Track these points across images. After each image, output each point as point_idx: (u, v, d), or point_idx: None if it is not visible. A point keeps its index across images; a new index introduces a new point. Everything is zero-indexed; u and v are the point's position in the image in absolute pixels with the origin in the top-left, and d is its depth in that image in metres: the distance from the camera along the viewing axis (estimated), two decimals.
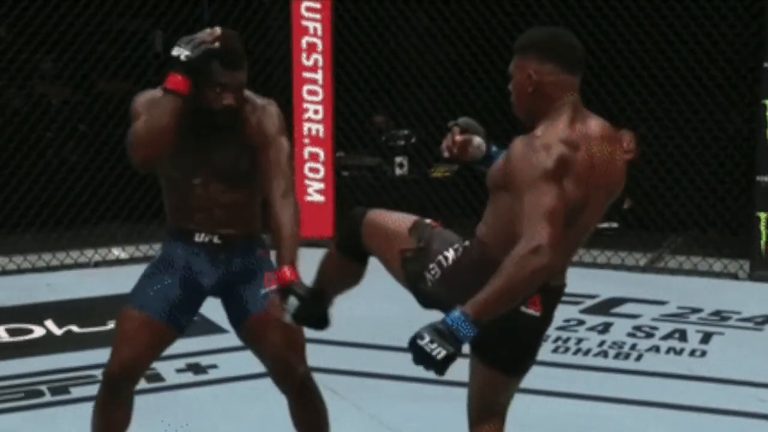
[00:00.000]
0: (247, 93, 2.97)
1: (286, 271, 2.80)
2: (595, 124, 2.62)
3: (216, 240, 3.03)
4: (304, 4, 6.81)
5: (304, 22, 6.83)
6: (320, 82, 6.87)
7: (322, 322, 2.87)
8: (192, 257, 3.04)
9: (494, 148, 2.85)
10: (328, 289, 2.84)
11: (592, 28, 6.87)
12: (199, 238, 3.03)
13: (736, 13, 6.55)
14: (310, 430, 3.16)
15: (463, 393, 3.70)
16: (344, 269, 2.83)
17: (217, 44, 2.82)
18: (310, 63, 6.85)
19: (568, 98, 2.58)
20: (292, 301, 2.76)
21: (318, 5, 6.81)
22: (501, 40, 7.01)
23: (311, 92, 6.88)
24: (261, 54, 7.07)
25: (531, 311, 2.61)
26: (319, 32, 6.83)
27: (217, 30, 2.85)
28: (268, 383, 4.13)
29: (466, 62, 7.24)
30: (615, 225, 6.92)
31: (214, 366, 4.57)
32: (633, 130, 6.93)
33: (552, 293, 2.66)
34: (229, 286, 3.07)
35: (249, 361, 4.37)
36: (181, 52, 2.80)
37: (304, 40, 6.85)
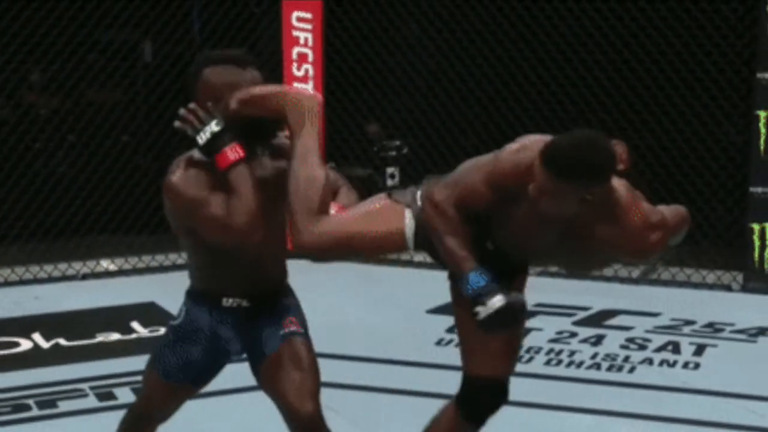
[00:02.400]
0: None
1: None
2: None
3: (245, 304, 2.90)
4: (295, 15, 6.78)
5: (295, 33, 6.80)
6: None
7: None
8: (218, 324, 2.91)
9: None
10: None
11: (584, 38, 6.86)
12: (227, 302, 2.89)
13: (729, 24, 6.54)
14: None
15: (434, 403, 3.66)
16: None
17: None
18: (301, 73, 6.82)
19: None
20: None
21: (309, 15, 6.78)
22: (492, 50, 7.00)
23: None
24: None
25: None
26: (310, 42, 6.80)
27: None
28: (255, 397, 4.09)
29: (457, 73, 7.21)
30: None
31: None
32: (626, 140, 6.90)
33: None
34: (253, 338, 2.96)
35: (236, 376, 4.34)
36: (210, 128, 2.68)
37: (295, 51, 6.82)
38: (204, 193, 2.72)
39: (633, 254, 2.71)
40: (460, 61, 7.18)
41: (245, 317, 2.92)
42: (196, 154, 2.79)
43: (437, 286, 6.21)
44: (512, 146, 2.68)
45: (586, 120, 6.96)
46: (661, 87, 6.73)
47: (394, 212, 2.77)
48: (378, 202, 2.82)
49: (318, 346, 3.00)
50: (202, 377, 3.02)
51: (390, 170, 7.15)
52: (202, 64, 2.78)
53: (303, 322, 3.00)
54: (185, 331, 2.94)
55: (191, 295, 2.97)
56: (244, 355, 3.01)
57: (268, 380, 2.96)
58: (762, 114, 6.12)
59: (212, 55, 2.80)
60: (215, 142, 2.69)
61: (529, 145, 2.64)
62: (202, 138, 2.69)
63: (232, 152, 2.69)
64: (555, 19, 6.84)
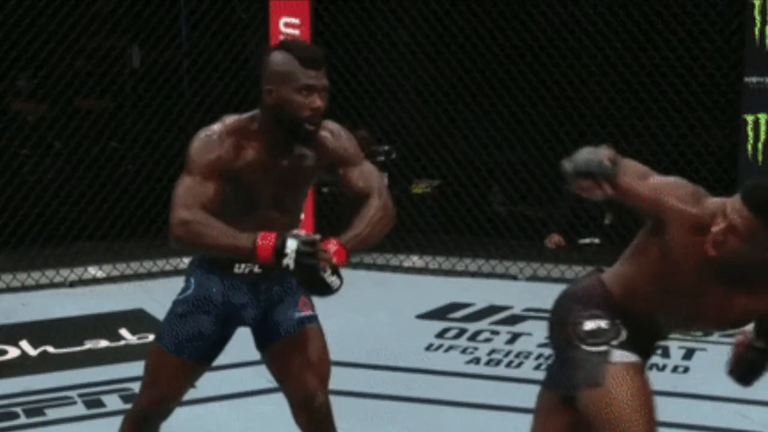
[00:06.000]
0: None
1: (334, 243, 2.69)
2: None
3: (256, 269, 2.90)
4: (283, 20, 6.77)
5: (283, 38, 6.78)
6: None
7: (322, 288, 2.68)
8: (231, 291, 2.92)
9: None
10: None
11: (573, 44, 6.87)
12: (239, 269, 2.90)
13: (716, 28, 6.56)
14: None
15: (423, 409, 3.69)
16: None
17: (330, 267, 2.65)
18: None
19: None
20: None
21: (297, 21, 6.77)
22: (481, 55, 7.00)
23: None
24: (239, 70, 7.02)
25: None
26: None
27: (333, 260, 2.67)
28: (245, 403, 4.06)
29: (445, 78, 7.21)
30: (597, 241, 6.89)
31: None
32: (614, 145, 6.90)
33: None
34: (266, 312, 2.98)
35: (221, 383, 4.33)
36: (290, 257, 2.61)
37: None
38: (206, 159, 2.77)
39: None
40: (449, 66, 7.18)
41: (258, 284, 2.92)
42: (252, 125, 2.83)
43: (427, 291, 6.23)
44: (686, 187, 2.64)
45: (574, 124, 6.97)
46: (649, 91, 6.74)
47: (620, 376, 2.62)
48: (612, 398, 2.61)
49: None
50: (212, 351, 2.99)
51: None
52: (274, 47, 2.84)
53: (312, 303, 3.02)
54: (196, 301, 2.94)
55: (201, 266, 2.96)
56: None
57: (280, 363, 2.98)
58: (749, 118, 6.14)
59: (286, 41, 2.85)
60: (279, 253, 2.64)
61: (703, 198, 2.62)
62: (289, 253, 2.64)
63: (264, 251, 2.64)
64: (543, 25, 6.85)
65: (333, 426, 3.05)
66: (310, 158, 2.88)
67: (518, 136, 7.12)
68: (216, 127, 2.83)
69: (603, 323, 2.64)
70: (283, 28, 6.78)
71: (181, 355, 2.93)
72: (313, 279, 2.62)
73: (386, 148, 7.28)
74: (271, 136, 2.81)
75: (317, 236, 2.67)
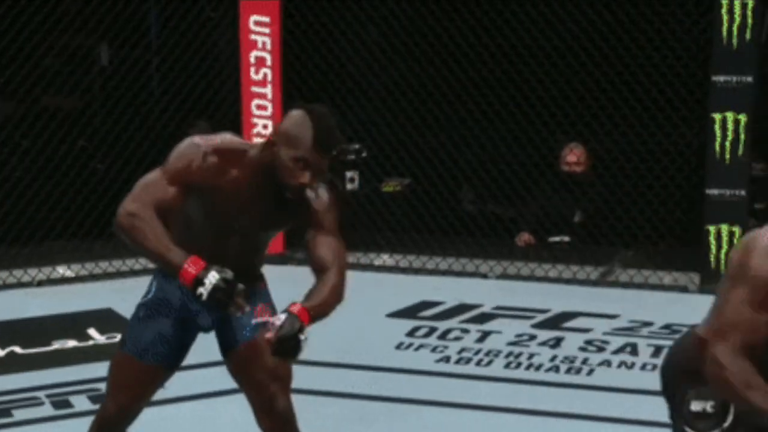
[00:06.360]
0: None
1: (297, 306, 2.70)
2: None
3: None
4: (253, 18, 6.75)
5: (253, 36, 6.77)
6: (269, 96, 6.81)
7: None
8: (188, 296, 2.92)
9: None
10: None
11: (543, 42, 6.89)
12: None
13: (684, 27, 6.59)
14: None
15: (393, 408, 3.69)
16: None
17: (237, 314, 2.74)
18: (259, 77, 6.79)
19: None
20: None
21: (267, 19, 6.76)
22: (451, 54, 7.01)
23: (260, 107, 6.82)
24: (209, 69, 6.99)
25: None
26: (268, 46, 6.78)
27: (247, 309, 2.74)
28: (216, 403, 4.06)
29: (416, 76, 7.21)
30: (566, 239, 6.92)
31: None
32: (583, 144, 6.95)
33: None
34: (223, 320, 3.00)
35: (191, 383, 4.32)
36: (206, 288, 2.65)
37: (253, 55, 6.78)
38: (179, 165, 2.79)
39: None
40: (419, 64, 7.18)
41: None
42: (248, 152, 2.83)
43: (397, 289, 6.24)
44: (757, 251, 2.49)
45: (545, 123, 7.00)
46: (618, 90, 6.77)
47: None
48: None
49: None
50: (174, 355, 3.00)
51: (349, 174, 7.14)
52: (298, 105, 2.84)
53: (273, 309, 3.01)
54: (156, 305, 2.97)
55: (162, 270, 2.97)
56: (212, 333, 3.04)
57: (240, 369, 3.00)
58: (717, 117, 6.18)
59: (318, 110, 2.82)
60: (197, 282, 2.69)
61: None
62: (210, 278, 2.69)
63: (187, 274, 2.68)
64: (514, 23, 6.86)
65: (296, 429, 3.05)
66: (289, 209, 2.89)
67: (488, 134, 7.13)
68: (206, 140, 2.85)
69: (709, 405, 2.55)
70: (253, 27, 6.76)
71: (143, 359, 2.96)
72: (288, 341, 2.64)
73: (356, 146, 7.27)
74: (259, 172, 2.82)
75: (241, 286, 2.69)
